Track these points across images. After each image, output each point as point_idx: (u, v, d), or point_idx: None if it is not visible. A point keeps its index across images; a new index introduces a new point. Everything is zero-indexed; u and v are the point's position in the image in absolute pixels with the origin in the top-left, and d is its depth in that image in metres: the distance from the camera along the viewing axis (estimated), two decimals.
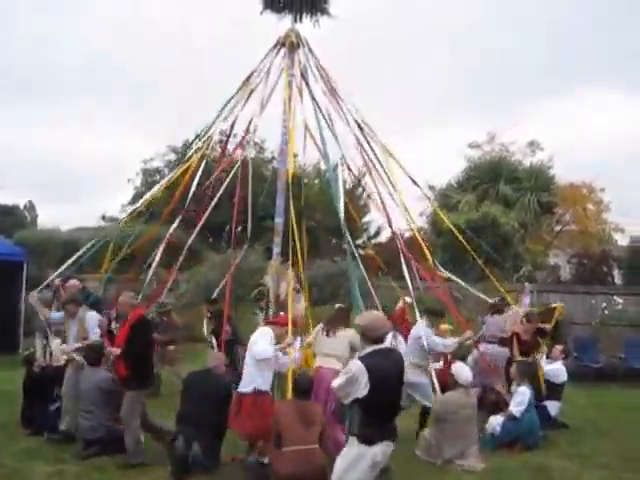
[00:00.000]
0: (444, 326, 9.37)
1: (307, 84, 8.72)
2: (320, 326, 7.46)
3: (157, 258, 8.97)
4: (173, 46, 65.06)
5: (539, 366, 8.80)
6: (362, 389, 4.32)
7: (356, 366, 4.39)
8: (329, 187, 9.03)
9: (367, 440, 4.40)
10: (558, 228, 30.01)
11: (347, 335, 7.04)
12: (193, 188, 9.28)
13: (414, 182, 9.26)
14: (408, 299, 9.06)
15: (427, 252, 8.90)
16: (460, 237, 9.91)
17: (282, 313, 7.48)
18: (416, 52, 59.34)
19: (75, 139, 63.09)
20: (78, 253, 8.86)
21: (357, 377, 4.33)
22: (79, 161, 66.87)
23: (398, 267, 8.77)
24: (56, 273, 9.05)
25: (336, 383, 4.53)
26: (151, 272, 8.90)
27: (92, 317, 7.91)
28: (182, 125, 51.82)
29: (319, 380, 6.75)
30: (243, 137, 10.07)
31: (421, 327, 7.88)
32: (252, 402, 6.39)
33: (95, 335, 7.74)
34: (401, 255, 8.61)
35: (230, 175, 10.03)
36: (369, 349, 4.54)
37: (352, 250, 8.03)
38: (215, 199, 9.63)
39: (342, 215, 7.95)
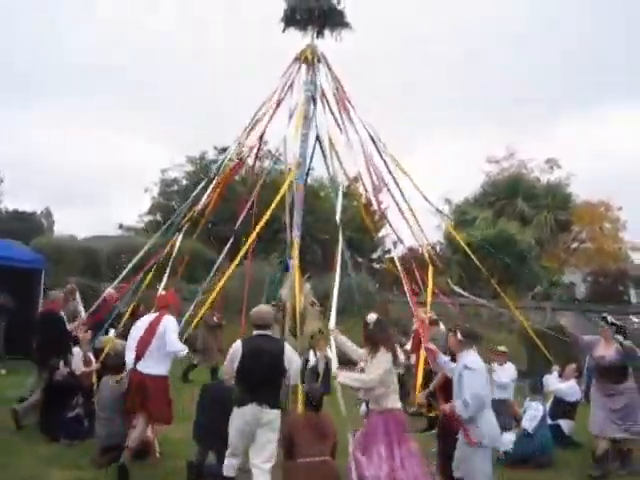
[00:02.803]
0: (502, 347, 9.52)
1: (325, 98, 8.81)
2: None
3: (152, 267, 8.74)
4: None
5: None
6: (237, 361, 5.68)
7: (236, 345, 5.78)
8: (334, 199, 9.03)
9: (238, 402, 5.67)
10: (574, 246, 29.91)
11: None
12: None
13: (425, 199, 9.19)
14: (425, 313, 8.23)
15: (432, 270, 8.50)
16: (473, 256, 9.75)
17: None
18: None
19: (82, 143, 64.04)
20: (133, 261, 8.95)
21: (235, 352, 5.73)
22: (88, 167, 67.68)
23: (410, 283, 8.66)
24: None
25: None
26: (139, 278, 8.79)
27: None
28: (198, 135, 52.22)
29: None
30: (255, 148, 9.62)
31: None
32: None
33: None
34: (401, 273, 8.50)
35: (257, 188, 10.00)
36: (254, 333, 5.81)
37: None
38: (243, 214, 9.57)
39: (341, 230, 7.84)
